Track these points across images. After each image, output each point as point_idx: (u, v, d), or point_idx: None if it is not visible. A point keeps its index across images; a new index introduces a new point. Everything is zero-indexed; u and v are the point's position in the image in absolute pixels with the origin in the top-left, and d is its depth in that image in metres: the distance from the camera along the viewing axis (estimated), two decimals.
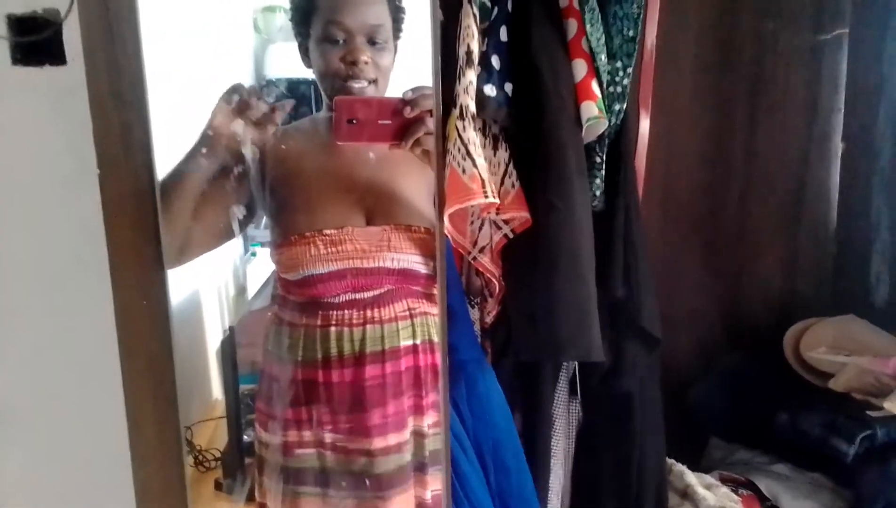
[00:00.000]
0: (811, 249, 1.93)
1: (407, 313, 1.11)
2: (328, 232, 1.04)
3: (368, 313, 1.08)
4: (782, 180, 1.90)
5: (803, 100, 1.85)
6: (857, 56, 1.77)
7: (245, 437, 2.15)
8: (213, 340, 2.08)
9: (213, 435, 1.82)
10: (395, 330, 1.09)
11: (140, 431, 0.94)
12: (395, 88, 1.09)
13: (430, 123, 0.93)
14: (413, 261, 1.07)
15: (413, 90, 0.95)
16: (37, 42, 0.81)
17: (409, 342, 1.11)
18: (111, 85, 0.85)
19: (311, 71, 1.12)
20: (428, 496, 1.19)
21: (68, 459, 0.94)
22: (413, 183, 1.09)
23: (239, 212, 1.00)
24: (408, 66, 1.14)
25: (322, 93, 1.09)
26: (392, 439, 1.15)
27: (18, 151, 0.85)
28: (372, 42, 1.04)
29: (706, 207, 1.88)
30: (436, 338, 1.14)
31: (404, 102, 0.94)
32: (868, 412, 1.48)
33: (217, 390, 2.42)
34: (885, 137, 1.67)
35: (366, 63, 1.02)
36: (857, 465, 1.43)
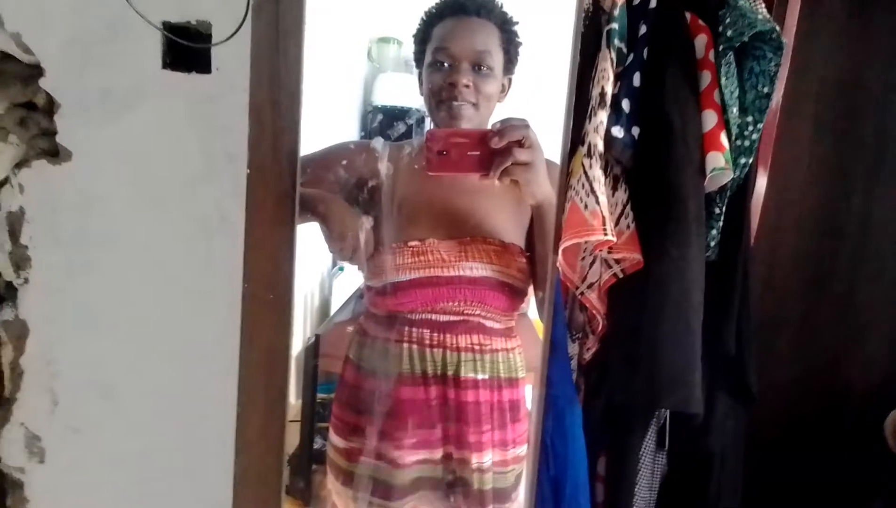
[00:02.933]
0: None
1: (478, 347, 1.13)
2: (413, 243, 1.09)
3: (441, 336, 1.12)
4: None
5: None
6: None
7: (314, 444, 2.21)
8: (293, 348, 2.14)
9: None
10: (458, 359, 1.12)
11: (248, 419, 0.99)
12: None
13: (519, 154, 0.96)
14: (490, 270, 1.09)
15: (501, 121, 0.98)
16: (188, 50, 0.89)
17: (478, 376, 1.13)
18: (271, 93, 0.93)
19: (417, 100, 1.19)
20: None
21: (171, 438, 0.99)
22: (499, 206, 1.12)
23: (368, 222, 1.06)
24: (534, 104, 1.17)
25: (429, 115, 1.15)
26: (456, 461, 1.17)
27: (158, 147, 0.92)
28: (477, 68, 1.08)
29: (811, 276, 1.81)
30: (511, 375, 1.16)
31: (492, 134, 0.96)
32: None
33: (291, 394, 2.49)
34: None
35: (466, 86, 1.07)
36: None
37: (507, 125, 0.98)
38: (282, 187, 0.94)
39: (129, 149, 0.92)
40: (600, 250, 1.07)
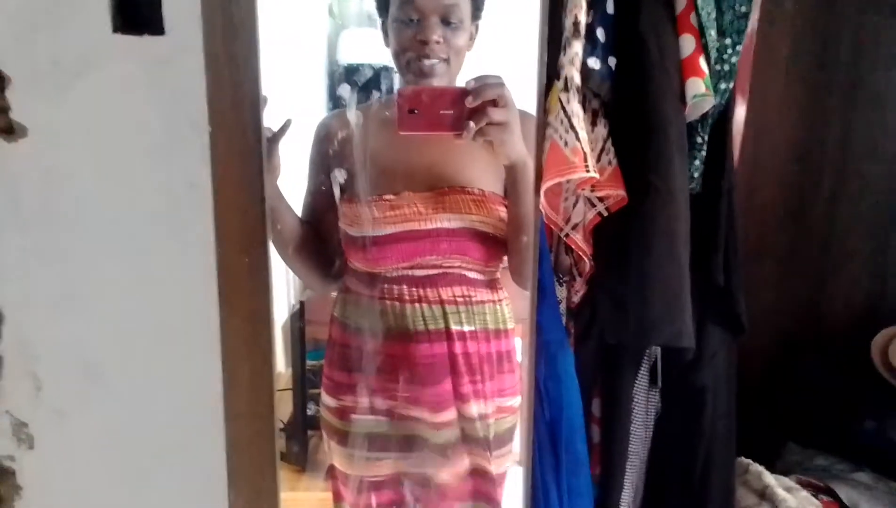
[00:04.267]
0: None
1: (462, 299, 1.12)
2: (388, 197, 1.06)
3: (422, 291, 1.10)
4: (875, 182, 1.82)
5: None
6: None
7: (308, 410, 2.20)
8: (278, 316, 2.12)
9: (276, 407, 1.87)
10: (443, 312, 1.10)
11: (235, 386, 0.96)
12: (496, 63, 1.09)
13: (494, 114, 0.92)
14: (469, 221, 1.07)
15: (476, 79, 0.95)
16: (139, 10, 0.83)
17: (464, 327, 1.12)
18: (226, 44, 0.87)
19: (383, 55, 1.14)
20: (494, 472, 1.19)
21: (159, 413, 0.97)
22: (475, 154, 1.10)
23: (340, 175, 1.02)
24: (507, 39, 1.13)
25: (398, 72, 1.10)
26: (447, 415, 1.16)
27: (115, 116, 0.86)
28: (446, 22, 1.04)
29: (793, 204, 1.81)
30: (492, 327, 1.14)
31: (466, 92, 0.93)
32: None
33: (280, 363, 2.48)
34: None
35: (437, 42, 1.03)
36: None
37: (481, 83, 0.94)
38: (245, 143, 0.89)
39: (86, 121, 0.86)
40: (583, 189, 1.04)
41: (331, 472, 1.30)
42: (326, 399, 1.26)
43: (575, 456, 1.15)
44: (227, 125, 0.89)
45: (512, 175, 1.06)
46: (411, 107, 0.93)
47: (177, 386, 0.96)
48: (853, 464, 1.59)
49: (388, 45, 1.12)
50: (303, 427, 2.03)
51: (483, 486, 1.23)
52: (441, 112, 0.94)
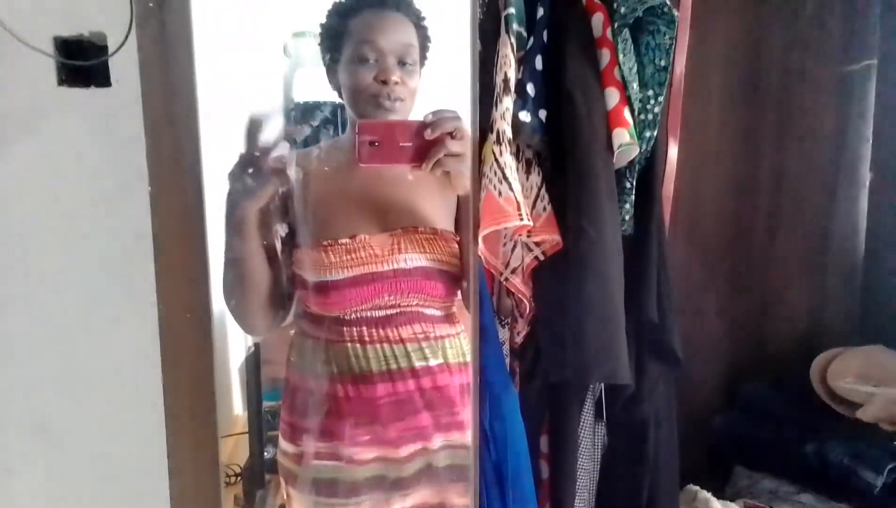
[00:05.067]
0: (839, 278, 1.93)
1: (422, 335, 1.14)
2: (343, 240, 1.07)
3: (382, 332, 1.11)
4: (810, 210, 1.91)
5: (831, 131, 1.87)
6: (885, 86, 1.78)
7: (266, 454, 2.17)
8: (235, 357, 2.11)
9: (233, 451, 1.84)
10: (405, 351, 1.12)
11: (178, 441, 0.97)
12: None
13: (451, 145, 0.95)
14: (425, 260, 1.09)
15: (434, 113, 0.97)
16: (84, 65, 0.85)
17: (423, 363, 1.14)
18: (165, 105, 0.90)
19: (336, 94, 1.16)
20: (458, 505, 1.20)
21: (105, 468, 0.96)
22: (426, 194, 1.12)
23: (282, 229, 1.04)
24: (440, 94, 1.17)
25: (351, 112, 1.13)
26: (410, 449, 1.17)
27: (62, 169, 0.88)
28: (402, 63, 1.07)
29: (732, 236, 1.89)
30: (453, 360, 1.16)
31: (425, 125, 0.96)
32: None
33: (238, 406, 2.44)
34: None
35: (396, 83, 1.05)
36: (884, 496, 1.42)
37: (439, 116, 0.97)
38: (187, 201, 0.91)
39: (33, 174, 0.87)
40: (519, 235, 1.08)
41: None
42: (285, 445, 1.25)
43: (521, 493, 1.17)
44: (167, 183, 0.90)
45: (467, 206, 1.09)
46: (372, 140, 0.96)
47: (122, 441, 0.96)
48: (798, 486, 1.64)
49: (335, 87, 1.14)
50: (260, 471, 1.99)
51: None
52: (401, 144, 0.96)
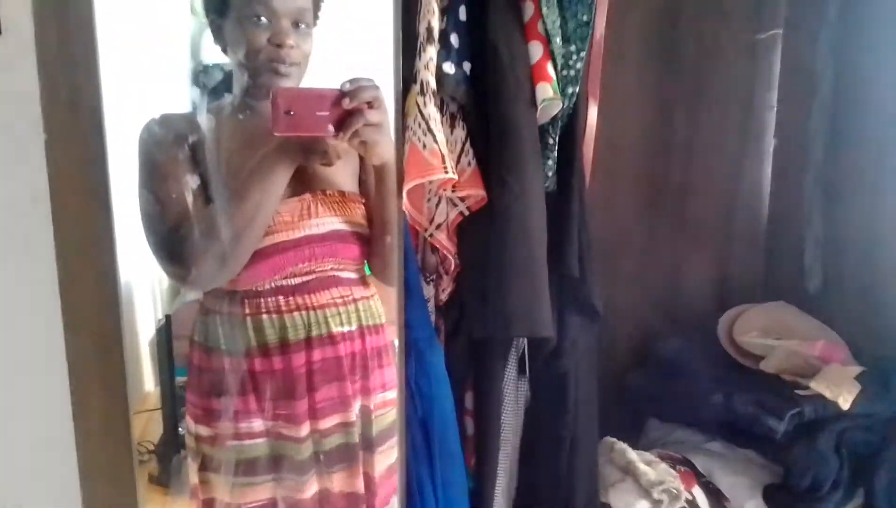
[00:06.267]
0: (745, 240, 2.03)
1: (340, 300, 1.12)
2: None
3: (300, 299, 1.08)
4: (719, 173, 1.98)
5: (740, 97, 1.94)
6: (789, 55, 1.87)
7: (180, 429, 2.10)
8: (145, 332, 2.02)
9: (144, 428, 1.77)
10: (325, 317, 1.09)
11: (85, 409, 0.91)
12: (348, 68, 1.09)
13: (369, 115, 0.93)
14: (335, 224, 1.07)
15: (351, 81, 0.95)
16: None
17: (344, 328, 1.12)
18: (61, 47, 0.82)
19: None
20: (376, 473, 1.20)
21: (8, 438, 0.90)
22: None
23: (193, 182, 0.98)
24: (362, 42, 1.13)
25: (239, 73, 1.07)
26: (332, 420, 1.16)
27: None
28: (296, 25, 1.03)
29: (647, 198, 1.94)
30: (375, 322, 1.15)
31: (343, 94, 0.93)
32: (797, 391, 1.56)
33: (149, 382, 2.35)
34: (817, 134, 1.77)
35: (291, 47, 1.01)
36: (786, 441, 1.50)
37: (356, 85, 0.94)
38: (87, 152, 0.84)
39: None
40: (445, 189, 1.07)
41: (195, 495, 1.25)
42: (196, 428, 1.20)
43: (448, 450, 1.18)
44: (65, 130, 0.83)
45: (381, 175, 1.07)
46: (287, 109, 0.92)
47: (24, 411, 0.90)
48: (707, 435, 1.73)
49: (222, 47, 1.09)
50: (174, 447, 1.91)
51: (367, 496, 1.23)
52: (318, 113, 0.93)
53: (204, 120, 1.05)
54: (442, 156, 0.98)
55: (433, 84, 0.99)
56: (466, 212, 1.09)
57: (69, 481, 0.92)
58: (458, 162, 1.07)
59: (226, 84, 1.16)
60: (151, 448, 1.81)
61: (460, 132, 1.08)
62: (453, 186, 1.06)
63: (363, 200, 1.10)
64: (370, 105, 0.93)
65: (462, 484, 1.20)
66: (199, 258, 0.99)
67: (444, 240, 1.10)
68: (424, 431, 1.16)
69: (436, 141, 0.97)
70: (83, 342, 0.89)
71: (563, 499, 1.34)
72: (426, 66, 0.98)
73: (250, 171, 0.99)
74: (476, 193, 1.07)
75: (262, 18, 0.99)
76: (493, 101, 1.04)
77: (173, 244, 0.99)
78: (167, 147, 1.01)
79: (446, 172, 0.98)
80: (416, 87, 0.98)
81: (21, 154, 0.83)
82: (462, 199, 1.09)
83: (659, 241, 1.96)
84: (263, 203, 0.98)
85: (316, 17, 1.07)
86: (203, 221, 0.99)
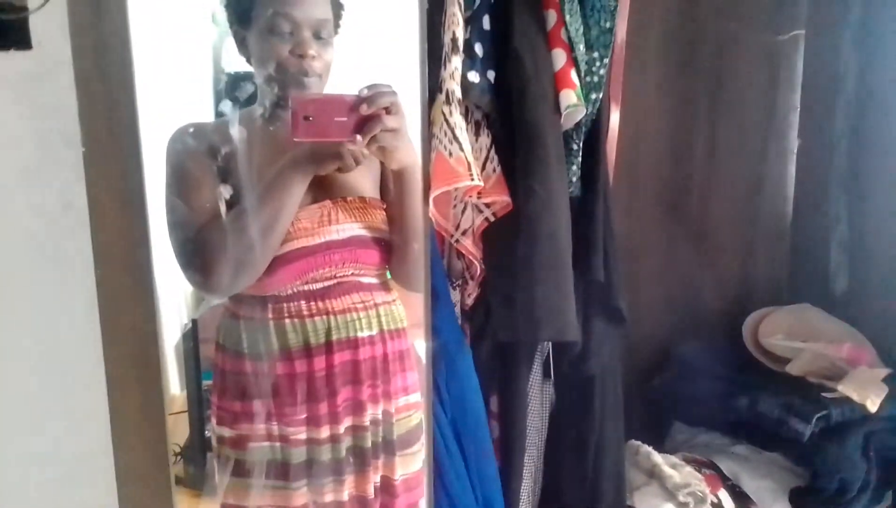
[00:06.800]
0: (768, 242, 2.02)
1: (361, 304, 1.13)
2: None
3: (319, 304, 1.10)
4: (741, 175, 1.98)
5: (761, 99, 1.93)
6: (812, 56, 1.86)
7: (206, 432, 2.13)
8: (170, 336, 2.05)
9: (171, 431, 1.80)
10: (346, 321, 1.11)
11: (122, 415, 0.93)
12: (375, 80, 1.11)
13: (387, 120, 0.95)
14: (356, 229, 1.08)
15: (369, 87, 0.96)
16: (3, 25, 0.80)
17: (366, 333, 1.13)
18: (97, 62, 0.85)
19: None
20: (396, 477, 1.21)
21: (46, 446, 0.92)
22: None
23: (226, 191, 1.00)
24: (388, 55, 1.15)
25: (262, 83, 1.09)
26: (352, 423, 1.17)
27: None
28: (317, 36, 1.05)
29: (669, 201, 1.94)
30: (397, 326, 1.16)
31: (361, 99, 0.95)
32: (823, 394, 1.55)
33: (175, 385, 2.38)
34: (841, 134, 1.76)
35: (313, 57, 1.03)
36: (813, 445, 1.50)
37: (374, 91, 0.95)
38: (124, 164, 0.87)
39: None
40: (470, 196, 1.08)
41: (220, 496, 1.27)
42: (220, 429, 1.22)
43: (481, 446, 1.19)
44: (102, 143, 0.86)
45: (401, 180, 1.08)
46: (306, 115, 0.93)
47: (63, 417, 0.92)
48: (733, 438, 1.73)
49: (246, 56, 1.11)
50: (201, 449, 1.94)
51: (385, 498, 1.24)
52: (336, 119, 0.94)
53: (230, 129, 1.07)
54: (468, 163, 0.99)
55: (458, 93, 1.00)
56: (492, 219, 1.10)
57: (107, 490, 0.94)
58: (483, 168, 1.08)
59: (253, 94, 1.19)
60: (178, 450, 1.84)
61: (485, 139, 1.09)
62: (479, 193, 1.07)
63: (384, 206, 1.12)
64: (388, 110, 0.95)
65: (497, 481, 1.21)
66: (216, 265, 1.01)
67: (469, 245, 1.12)
68: (455, 431, 1.17)
69: (462, 148, 0.99)
70: (121, 347, 0.91)
71: (589, 502, 1.35)
72: (451, 76, 1.00)
73: (267, 183, 1.01)
74: (501, 199, 1.08)
75: (285, 30, 1.01)
76: (517, 109, 1.06)
77: (193, 250, 1.02)
78: (194, 156, 1.04)
79: (472, 179, 0.99)
80: (442, 97, 1.00)
81: (52, 164, 0.85)
82: (487, 205, 1.10)
83: (681, 244, 1.96)
84: (279, 213, 1.00)
85: (337, 26, 1.09)
86: (222, 229, 1.02)
